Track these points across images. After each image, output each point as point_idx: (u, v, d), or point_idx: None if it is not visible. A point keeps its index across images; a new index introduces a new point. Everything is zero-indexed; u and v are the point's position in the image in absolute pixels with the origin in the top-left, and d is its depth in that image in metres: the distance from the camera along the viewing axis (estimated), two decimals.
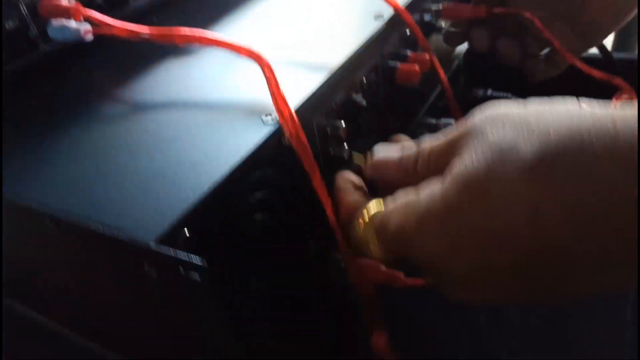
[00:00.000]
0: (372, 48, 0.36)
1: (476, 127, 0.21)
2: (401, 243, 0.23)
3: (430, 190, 0.22)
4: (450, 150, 0.22)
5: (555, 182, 0.18)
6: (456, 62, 0.54)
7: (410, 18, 0.37)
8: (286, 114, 0.27)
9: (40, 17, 0.37)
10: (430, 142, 0.25)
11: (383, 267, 0.29)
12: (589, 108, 0.19)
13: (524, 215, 0.18)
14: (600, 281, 0.19)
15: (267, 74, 0.29)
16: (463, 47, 0.57)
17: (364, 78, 0.35)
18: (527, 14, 0.43)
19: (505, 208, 0.19)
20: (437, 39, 0.47)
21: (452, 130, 0.23)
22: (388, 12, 0.38)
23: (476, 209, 0.19)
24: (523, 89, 0.54)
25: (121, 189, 0.24)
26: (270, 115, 0.27)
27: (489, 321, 0.39)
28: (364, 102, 0.34)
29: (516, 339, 0.38)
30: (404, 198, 0.23)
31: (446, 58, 0.54)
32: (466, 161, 0.20)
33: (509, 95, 0.55)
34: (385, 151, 0.28)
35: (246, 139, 0.26)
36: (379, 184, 0.29)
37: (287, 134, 0.27)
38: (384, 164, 0.27)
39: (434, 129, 0.50)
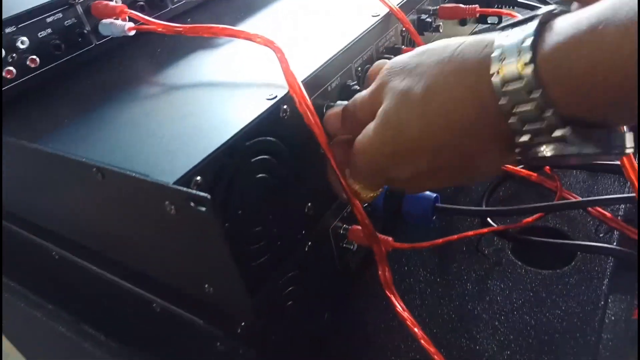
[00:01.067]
0: (367, 41, 0.42)
1: (385, 81, 0.31)
2: (370, 173, 0.33)
3: (367, 129, 0.32)
4: (375, 100, 0.32)
5: (433, 105, 0.28)
6: None
7: (403, 16, 0.43)
8: (295, 86, 0.34)
9: (93, 16, 0.45)
10: (360, 96, 0.34)
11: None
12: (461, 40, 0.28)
13: (420, 129, 0.28)
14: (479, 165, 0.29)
15: (279, 56, 0.35)
16: None
17: (359, 67, 0.41)
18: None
19: (410, 128, 0.29)
20: (432, 36, 0.53)
21: (372, 86, 0.33)
22: (385, 11, 0.44)
23: (397, 134, 0.30)
24: None
25: (151, 147, 0.31)
26: (273, 95, 0.34)
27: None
28: (357, 87, 0.40)
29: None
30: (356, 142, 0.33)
31: None
32: (385, 106, 0.30)
33: None
34: (332, 109, 0.37)
35: (252, 111, 0.32)
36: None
37: (295, 102, 0.33)
38: (332, 116, 0.36)
39: None
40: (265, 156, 0.33)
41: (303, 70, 0.36)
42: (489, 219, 0.47)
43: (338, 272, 0.44)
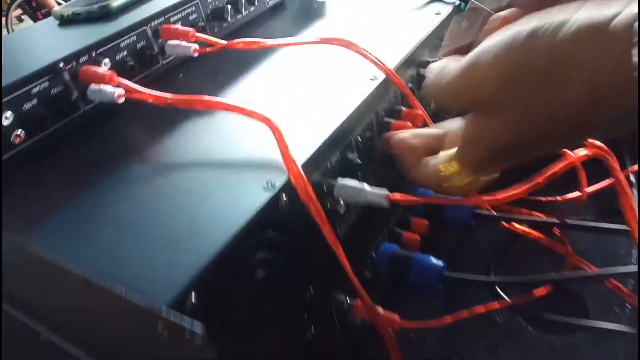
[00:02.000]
0: (367, 107, 0.40)
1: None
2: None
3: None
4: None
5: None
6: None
7: (400, 81, 0.41)
8: (295, 172, 0.32)
9: (81, 82, 0.43)
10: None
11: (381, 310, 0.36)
12: None
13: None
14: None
15: (277, 136, 0.34)
16: None
17: (359, 137, 0.39)
18: None
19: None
20: None
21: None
22: (382, 74, 0.42)
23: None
24: None
25: (141, 253, 0.29)
26: (271, 182, 0.32)
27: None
28: (358, 160, 0.38)
29: None
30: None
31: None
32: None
33: None
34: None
35: (249, 204, 0.31)
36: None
37: (298, 191, 0.31)
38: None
39: None
40: (264, 253, 0.31)
41: (302, 149, 0.34)
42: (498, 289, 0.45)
43: (342, 346, 0.42)
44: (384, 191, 0.35)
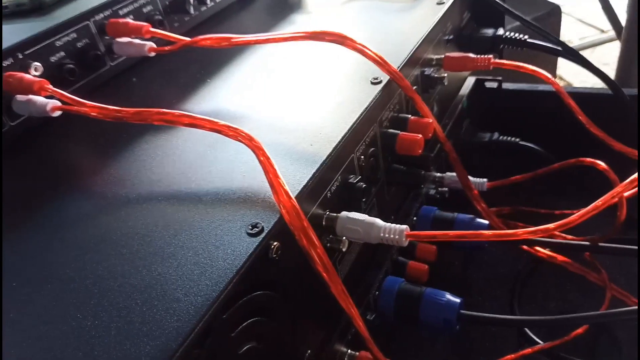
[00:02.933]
0: (370, 118, 0.32)
1: None
2: None
3: None
4: None
5: None
6: (460, 107, 0.50)
7: (406, 83, 0.34)
8: (289, 207, 0.24)
9: (5, 92, 0.34)
10: None
11: None
12: None
13: None
14: None
15: (262, 159, 0.26)
16: (467, 89, 0.53)
17: (361, 156, 0.32)
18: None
19: None
20: (436, 90, 0.44)
21: None
22: (384, 75, 0.34)
23: None
24: (530, 131, 0.51)
25: (76, 341, 0.20)
26: (257, 225, 0.24)
27: None
28: (362, 185, 0.30)
29: None
30: None
31: (450, 102, 0.50)
32: None
33: (517, 139, 0.51)
34: None
35: (227, 258, 0.23)
36: None
37: (294, 232, 0.24)
38: None
39: (439, 184, 0.46)
40: (250, 321, 0.23)
41: (294, 176, 0.27)
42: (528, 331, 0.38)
43: None
44: (401, 227, 0.27)
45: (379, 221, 0.27)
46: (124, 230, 0.26)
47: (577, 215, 0.27)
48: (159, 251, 0.24)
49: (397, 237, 0.27)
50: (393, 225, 0.27)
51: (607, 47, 1.53)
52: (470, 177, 0.43)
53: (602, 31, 1.62)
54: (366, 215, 0.28)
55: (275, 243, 0.24)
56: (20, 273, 0.24)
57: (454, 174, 0.45)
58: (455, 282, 0.35)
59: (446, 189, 0.47)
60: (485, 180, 0.45)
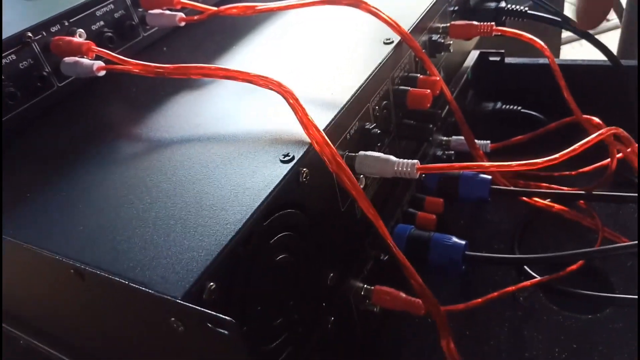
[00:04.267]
0: (383, 74, 0.36)
1: None
2: None
3: None
4: None
5: None
6: (465, 77, 0.54)
7: (416, 44, 0.37)
8: (319, 139, 0.28)
9: (53, 55, 0.38)
10: None
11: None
12: None
13: None
14: None
15: (292, 102, 0.29)
16: (471, 61, 0.57)
17: (376, 107, 0.35)
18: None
19: None
20: (442, 56, 0.47)
21: None
22: (396, 37, 0.38)
23: None
24: (534, 101, 0.54)
25: (143, 238, 0.24)
26: (289, 154, 0.28)
27: None
28: (377, 130, 0.34)
29: None
30: None
31: (455, 73, 0.54)
32: None
33: (519, 108, 0.55)
34: None
35: (265, 181, 0.26)
36: None
37: (326, 160, 0.27)
38: None
39: (446, 147, 0.50)
40: (284, 233, 0.27)
41: (320, 117, 0.30)
42: (525, 267, 0.42)
43: (359, 334, 0.38)
44: (412, 161, 0.31)
45: (393, 157, 0.31)
46: (171, 163, 0.30)
47: (562, 153, 0.30)
48: (203, 178, 0.28)
49: (409, 169, 0.31)
50: (405, 160, 0.31)
51: (611, 35, 1.55)
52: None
53: (607, 19, 1.64)
54: (381, 153, 0.31)
55: (304, 169, 0.28)
56: (89, 199, 0.28)
57: (460, 137, 0.48)
58: (462, 235, 0.39)
59: (452, 152, 0.51)
60: (488, 142, 0.48)
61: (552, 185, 0.45)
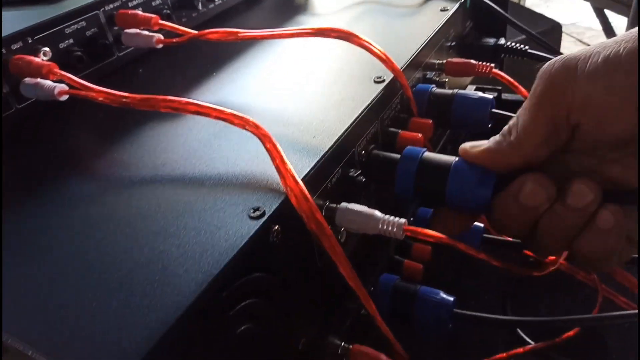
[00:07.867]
0: (372, 115, 0.33)
1: None
2: None
3: None
4: None
5: None
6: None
7: (406, 83, 0.35)
8: (297, 192, 0.25)
9: (12, 75, 0.35)
10: None
11: None
12: None
13: None
14: None
15: (269, 147, 0.26)
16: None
17: (362, 152, 0.32)
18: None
19: None
20: None
21: None
22: (388, 74, 0.35)
23: None
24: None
25: (75, 310, 0.21)
26: (259, 209, 0.24)
27: None
28: (361, 178, 0.31)
29: None
30: None
31: None
32: None
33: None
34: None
35: (228, 239, 0.23)
36: None
37: (303, 217, 0.25)
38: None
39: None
40: (247, 302, 0.23)
41: (299, 164, 0.27)
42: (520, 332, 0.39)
43: None
44: (400, 220, 0.28)
45: (378, 212, 0.28)
46: (127, 211, 0.26)
47: None
48: (161, 230, 0.24)
49: (394, 230, 0.27)
50: (392, 217, 0.28)
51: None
52: None
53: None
54: (365, 207, 0.28)
55: (276, 227, 0.24)
56: (23, 248, 0.25)
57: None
58: (448, 289, 0.36)
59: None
60: None
61: None
